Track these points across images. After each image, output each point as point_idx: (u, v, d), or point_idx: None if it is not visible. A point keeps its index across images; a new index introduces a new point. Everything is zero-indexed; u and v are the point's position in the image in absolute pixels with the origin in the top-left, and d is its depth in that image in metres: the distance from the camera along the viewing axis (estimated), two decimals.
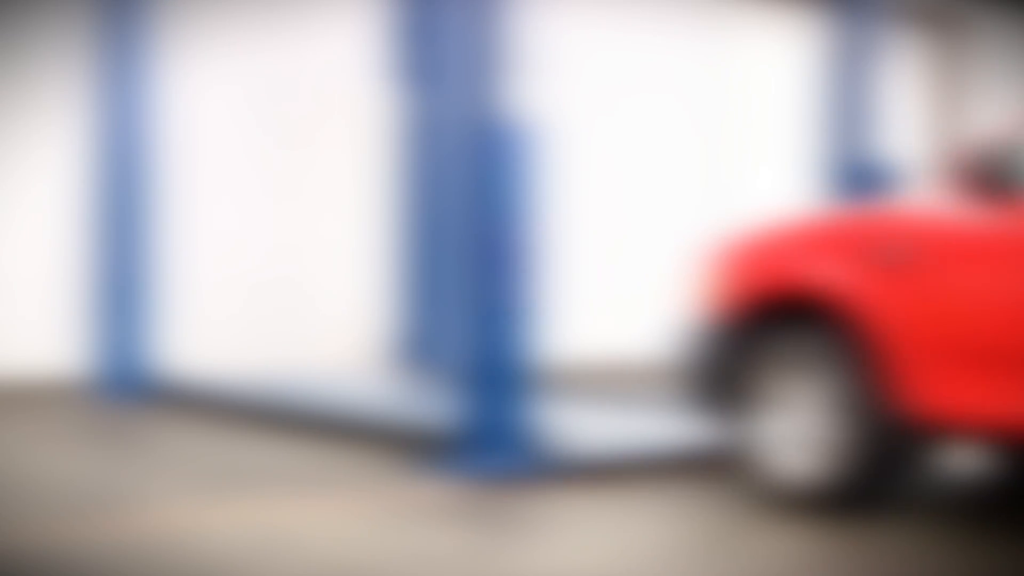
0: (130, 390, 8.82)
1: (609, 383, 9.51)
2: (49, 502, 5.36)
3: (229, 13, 10.19)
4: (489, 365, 6.01)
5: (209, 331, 9.86)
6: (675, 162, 12.62)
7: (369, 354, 10.37)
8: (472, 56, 6.12)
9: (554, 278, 7.02)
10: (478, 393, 6.01)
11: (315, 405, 7.59)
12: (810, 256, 5.33)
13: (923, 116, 14.69)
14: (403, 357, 9.52)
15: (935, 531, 5.00)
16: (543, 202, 6.17)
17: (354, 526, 4.98)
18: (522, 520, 5.33)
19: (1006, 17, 15.16)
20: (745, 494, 5.51)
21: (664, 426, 6.77)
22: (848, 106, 8.99)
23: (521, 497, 5.60)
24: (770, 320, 5.48)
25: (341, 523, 5.03)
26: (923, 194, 5.21)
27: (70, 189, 9.37)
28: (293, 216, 10.55)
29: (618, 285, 12.07)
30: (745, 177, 13.10)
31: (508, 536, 5.07)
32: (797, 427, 5.31)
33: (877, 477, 5.07)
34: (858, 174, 8.86)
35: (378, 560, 4.46)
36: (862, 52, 9.03)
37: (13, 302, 9.37)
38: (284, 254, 10.50)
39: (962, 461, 6.23)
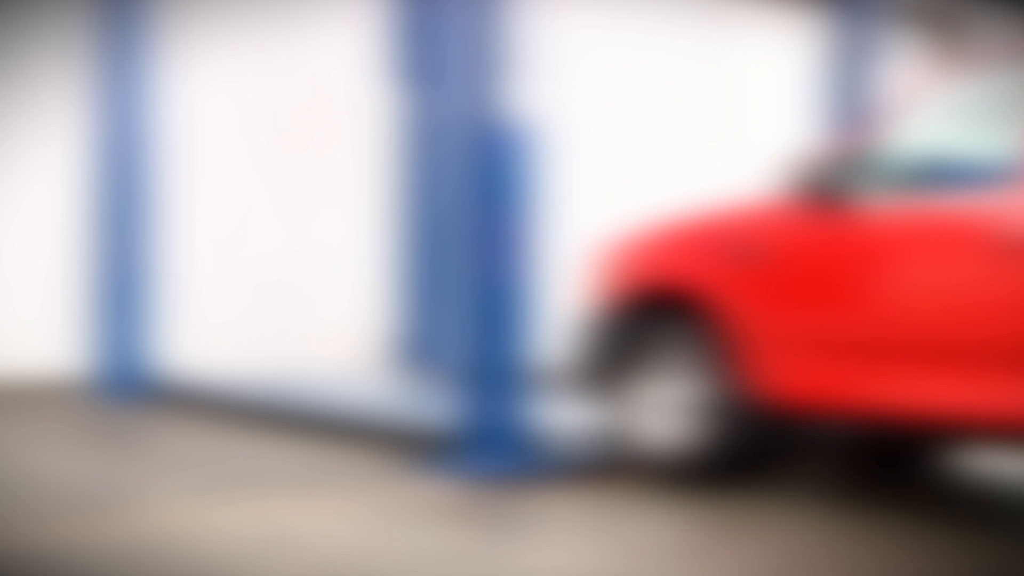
0: (130, 390, 8.82)
1: None
2: (49, 502, 5.36)
3: (229, 13, 10.19)
4: (489, 365, 6.01)
5: (209, 331, 9.85)
6: (675, 162, 12.62)
7: (369, 354, 10.37)
8: (472, 56, 6.12)
9: (554, 278, 7.02)
10: (477, 393, 6.01)
11: (315, 405, 7.59)
12: (680, 252, 5.92)
13: None
14: (403, 357, 9.52)
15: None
16: (543, 202, 6.18)
17: (354, 526, 4.98)
18: (521, 520, 5.34)
19: (1006, 17, 15.16)
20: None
21: None
22: (848, 106, 8.99)
23: (520, 497, 5.60)
24: (647, 311, 5.98)
25: (341, 523, 5.03)
26: (772, 196, 5.56)
27: (70, 189, 9.37)
28: (293, 216, 10.54)
29: None
30: (745, 177, 13.10)
31: (507, 536, 5.07)
32: (666, 410, 5.80)
33: (735, 454, 5.61)
34: None
35: (378, 560, 4.46)
36: (862, 52, 9.03)
37: (13, 302, 9.36)
38: (284, 254, 10.50)
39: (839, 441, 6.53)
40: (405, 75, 9.28)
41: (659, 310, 5.93)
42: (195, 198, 9.88)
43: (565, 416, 6.84)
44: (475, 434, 5.99)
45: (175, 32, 9.68)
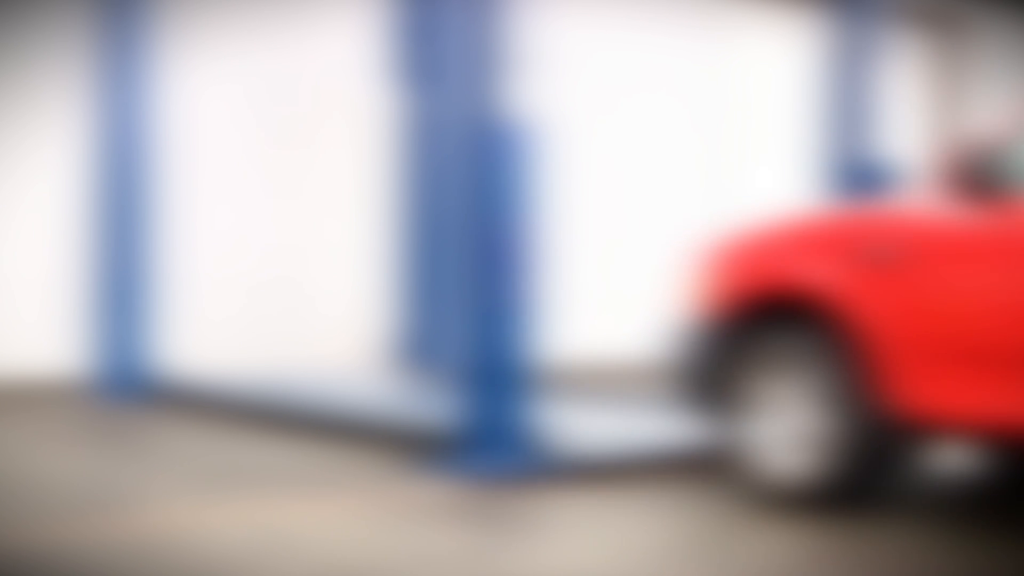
0: (130, 390, 8.82)
1: (608, 383, 9.50)
2: (49, 502, 5.36)
3: (229, 13, 10.19)
4: (489, 365, 6.01)
5: (209, 331, 9.86)
6: (675, 162, 12.62)
7: (369, 354, 10.37)
8: (472, 56, 6.12)
9: (554, 278, 7.02)
10: (478, 393, 6.01)
11: (315, 405, 7.59)
12: (798, 256, 5.37)
13: (923, 116, 14.70)
14: (403, 357, 9.52)
15: (925, 529, 5.01)
16: (543, 202, 6.17)
17: (354, 526, 4.98)
18: (522, 520, 5.34)
19: (1006, 17, 15.16)
20: (740, 493, 5.51)
21: (663, 426, 6.77)
22: (848, 106, 8.99)
23: (521, 497, 5.60)
24: (759, 319, 5.51)
25: (341, 523, 5.03)
26: (913, 194, 5.21)
27: (70, 189, 9.38)
28: (293, 216, 10.55)
29: (618, 285, 12.07)
30: (745, 177, 13.10)
31: (508, 536, 5.07)
32: (786, 426, 5.34)
33: (866, 475, 5.11)
34: (858, 174, 8.86)
35: (378, 560, 4.46)
36: (862, 52, 9.02)
37: (13, 302, 9.37)
38: (284, 254, 10.50)
39: (953, 459, 6.24)
40: (405, 75, 9.28)
41: (770, 318, 5.46)
42: (195, 198, 9.88)
43: (569, 417, 6.84)
44: (475, 434, 5.99)
45: (175, 32, 9.68)
